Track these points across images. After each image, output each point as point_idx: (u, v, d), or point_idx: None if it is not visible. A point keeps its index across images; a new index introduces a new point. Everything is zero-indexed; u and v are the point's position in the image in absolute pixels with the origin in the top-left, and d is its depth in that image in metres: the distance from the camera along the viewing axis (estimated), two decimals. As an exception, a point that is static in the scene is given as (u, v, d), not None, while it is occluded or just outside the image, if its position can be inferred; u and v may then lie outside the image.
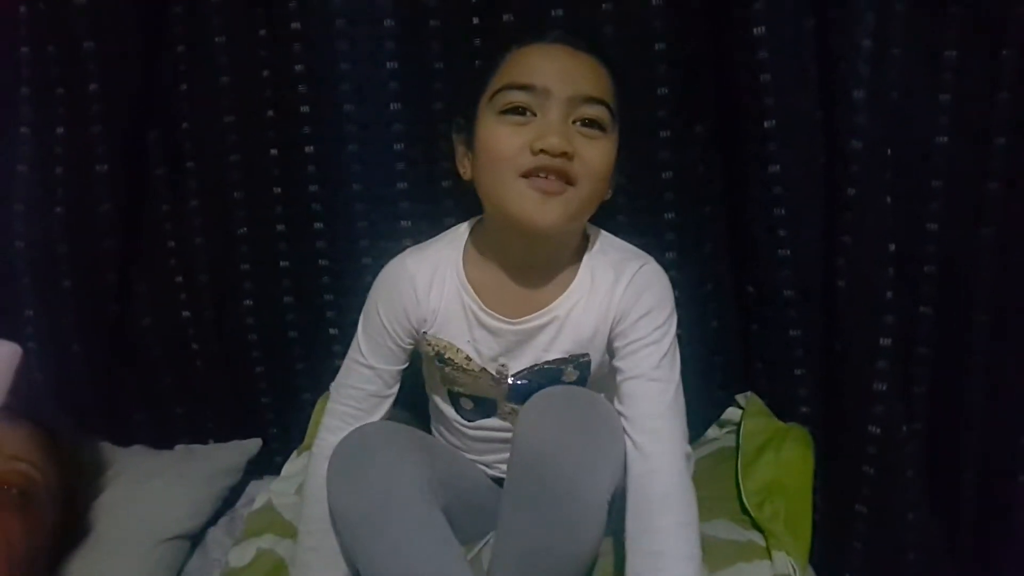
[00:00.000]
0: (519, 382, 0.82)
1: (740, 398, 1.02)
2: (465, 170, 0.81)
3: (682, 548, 0.71)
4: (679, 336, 0.80)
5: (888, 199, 0.86)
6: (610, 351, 0.81)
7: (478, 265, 0.82)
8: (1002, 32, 0.84)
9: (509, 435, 0.83)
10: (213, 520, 0.98)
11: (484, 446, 0.88)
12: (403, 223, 1.01)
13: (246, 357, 1.06)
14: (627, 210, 0.94)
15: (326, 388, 1.04)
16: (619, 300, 0.79)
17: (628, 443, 0.75)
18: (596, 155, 0.74)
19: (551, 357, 0.81)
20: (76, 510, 0.88)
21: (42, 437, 0.85)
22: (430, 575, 0.72)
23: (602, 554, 0.79)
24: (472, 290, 0.81)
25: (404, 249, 1.00)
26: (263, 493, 0.97)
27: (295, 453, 1.02)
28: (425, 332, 0.82)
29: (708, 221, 0.99)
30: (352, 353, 0.84)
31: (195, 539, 0.95)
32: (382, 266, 1.00)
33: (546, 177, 0.72)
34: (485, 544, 0.85)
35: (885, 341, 0.85)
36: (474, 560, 0.84)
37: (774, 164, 0.90)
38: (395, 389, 0.85)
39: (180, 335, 1.06)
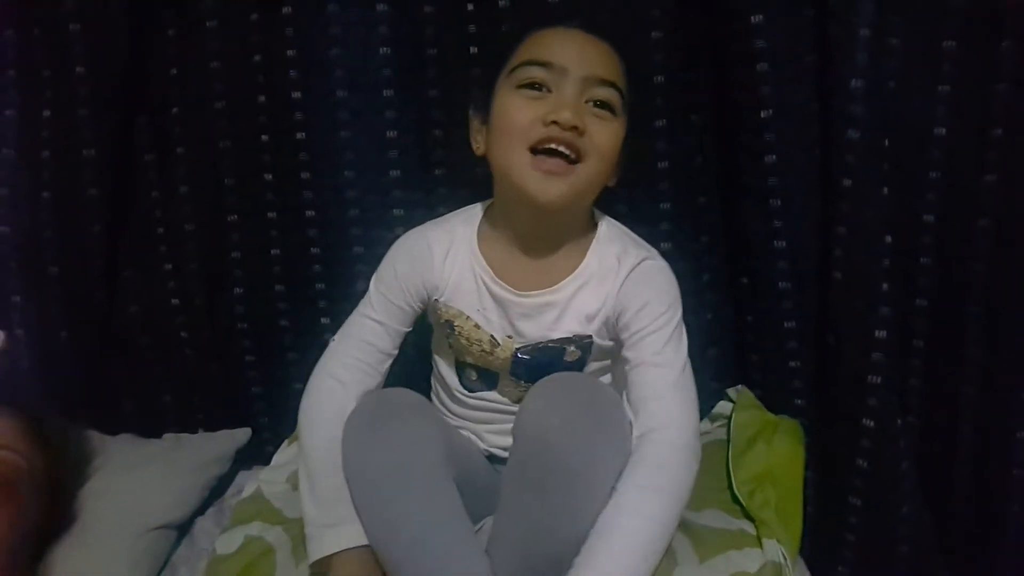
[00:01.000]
0: (522, 356, 0.84)
1: (731, 391, 1.02)
2: (479, 145, 0.84)
3: (645, 509, 0.71)
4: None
5: (884, 190, 0.85)
6: (616, 338, 0.83)
7: (490, 240, 0.85)
8: (1001, 23, 0.83)
9: (507, 408, 0.87)
10: (201, 510, 0.97)
11: (482, 415, 0.89)
12: (396, 211, 1.00)
13: (236, 346, 1.05)
14: (623, 200, 0.93)
15: (317, 378, 1.05)
16: (618, 293, 0.81)
17: (634, 428, 0.76)
18: (605, 134, 0.77)
19: (555, 336, 0.84)
20: (62, 499, 0.87)
21: (27, 425, 0.84)
22: (443, 543, 0.73)
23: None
24: (484, 261, 0.84)
25: (396, 238, 1.01)
26: (252, 482, 0.96)
27: (285, 443, 1.01)
28: (437, 300, 0.86)
29: (704, 212, 0.99)
30: (362, 308, 0.87)
31: (183, 529, 0.94)
32: (374, 255, 1.01)
33: (553, 155, 0.76)
34: (480, 529, 0.84)
35: (880, 333, 0.84)
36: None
37: (770, 154, 0.89)
38: (394, 352, 0.88)
39: (169, 323, 1.05)
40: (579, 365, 0.85)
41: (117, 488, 0.92)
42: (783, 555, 0.82)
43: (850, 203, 0.84)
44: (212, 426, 1.05)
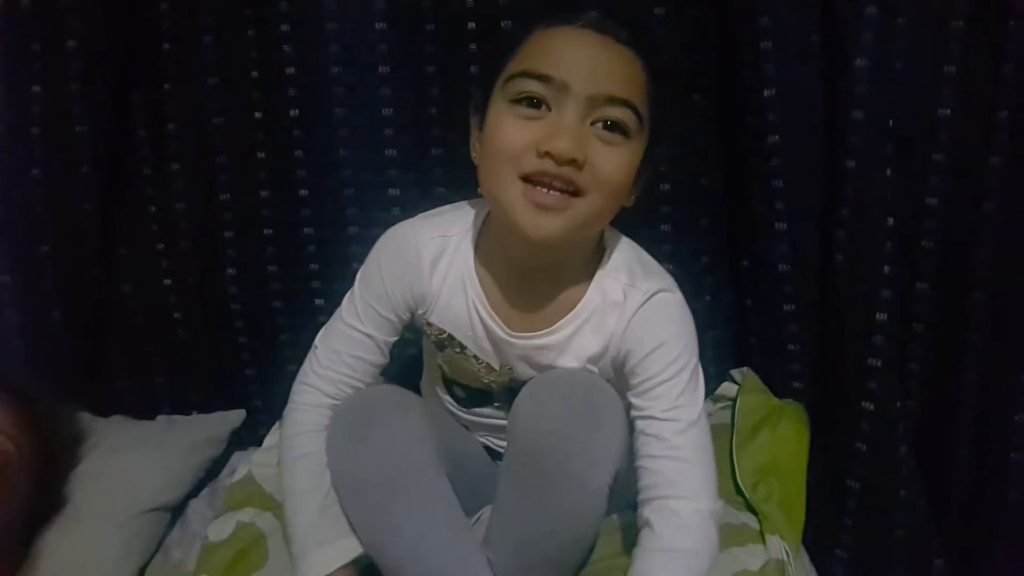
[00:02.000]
0: (518, 385, 0.77)
1: (736, 373, 1.01)
2: (476, 153, 0.74)
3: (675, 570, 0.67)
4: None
5: (888, 172, 0.84)
6: (621, 378, 0.75)
7: (487, 259, 0.76)
8: (1009, 3, 0.82)
9: (504, 422, 0.81)
10: (195, 492, 0.96)
11: (476, 422, 0.87)
12: (391, 191, 0.99)
13: (229, 326, 1.04)
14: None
15: (312, 359, 1.04)
16: (624, 332, 0.72)
17: (641, 490, 0.70)
18: (612, 164, 0.66)
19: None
20: (52, 481, 0.86)
21: (18, 408, 0.82)
22: (442, 545, 0.71)
23: (603, 533, 0.78)
24: (479, 285, 0.75)
25: (392, 218, 0.98)
26: (244, 465, 0.95)
27: (278, 424, 0.99)
28: (424, 314, 0.78)
29: (705, 193, 0.97)
30: (345, 316, 0.78)
31: (176, 511, 0.93)
32: (369, 235, 0.98)
33: (548, 191, 0.65)
34: (478, 519, 0.84)
35: (881, 316, 0.84)
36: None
37: (773, 135, 0.88)
38: (386, 358, 0.80)
39: (161, 303, 1.03)
40: None
41: (109, 470, 0.91)
42: (787, 551, 0.81)
43: (853, 185, 0.83)
44: (206, 407, 1.04)
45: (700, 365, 0.73)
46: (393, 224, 0.95)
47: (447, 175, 0.98)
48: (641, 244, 0.79)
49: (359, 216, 1.00)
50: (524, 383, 0.76)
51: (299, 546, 0.75)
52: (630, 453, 0.71)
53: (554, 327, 0.74)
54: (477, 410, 0.86)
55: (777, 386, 0.97)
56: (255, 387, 1.06)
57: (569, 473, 0.68)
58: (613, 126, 0.66)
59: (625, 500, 0.74)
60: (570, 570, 0.76)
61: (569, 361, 0.76)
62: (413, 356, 0.93)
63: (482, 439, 0.89)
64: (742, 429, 0.92)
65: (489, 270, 0.75)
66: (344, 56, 0.94)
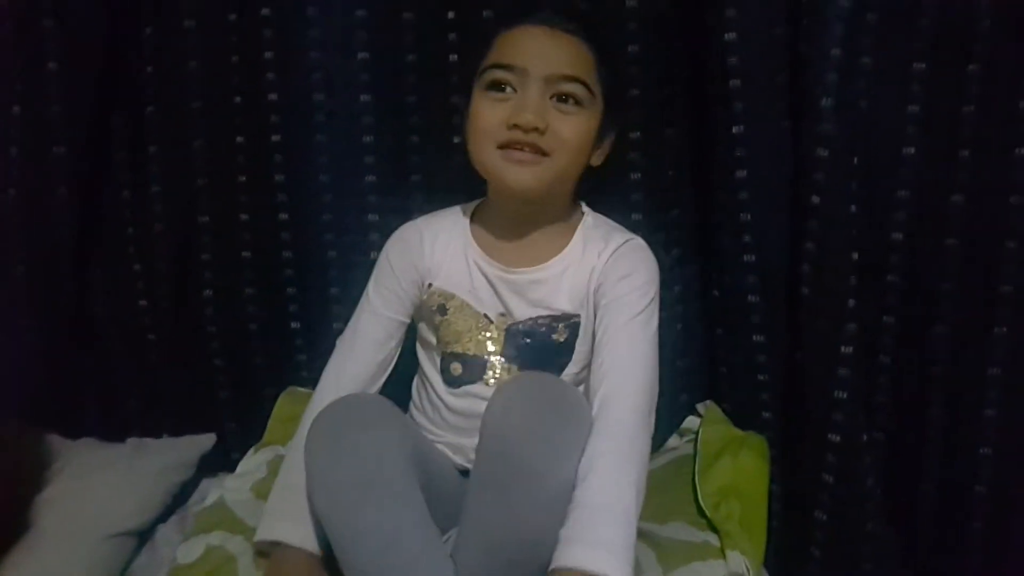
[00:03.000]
0: (514, 332, 0.86)
1: (700, 407, 1.02)
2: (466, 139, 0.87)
3: (613, 474, 0.71)
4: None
5: (853, 208, 0.87)
6: (595, 313, 0.85)
7: (481, 224, 0.90)
8: (969, 47, 0.85)
9: None
10: (164, 517, 0.95)
11: (463, 420, 0.88)
12: (371, 216, 1.00)
13: (204, 349, 1.04)
14: (595, 209, 0.93)
15: (287, 383, 1.04)
16: (603, 264, 0.85)
17: (595, 397, 0.77)
18: (569, 129, 0.80)
19: (544, 313, 0.86)
20: (17, 504, 0.85)
21: (-16, 428, 0.82)
22: (410, 552, 0.71)
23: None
24: (475, 242, 0.88)
25: (371, 243, 1.00)
26: (216, 489, 0.94)
27: (252, 450, 0.99)
28: (431, 284, 0.88)
29: (676, 224, 0.99)
30: (361, 305, 0.90)
31: (143, 536, 0.92)
32: (348, 260, 1.01)
33: (521, 149, 0.79)
34: (448, 539, 0.83)
35: (847, 349, 0.85)
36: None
37: (741, 169, 0.90)
38: (395, 346, 0.90)
39: (136, 325, 1.03)
40: (568, 347, 0.86)
41: (75, 493, 0.90)
42: (746, 566, 0.82)
43: (818, 220, 0.85)
44: (177, 431, 1.03)
45: (658, 305, 0.84)
46: (372, 250, 0.99)
47: (426, 201, 0.99)
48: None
49: (338, 241, 1.00)
50: (517, 339, 0.86)
51: (273, 506, 0.82)
52: None
53: (544, 264, 0.86)
54: (468, 388, 0.87)
55: (746, 416, 0.98)
56: (228, 411, 1.06)
57: (533, 470, 0.69)
58: (567, 98, 0.81)
59: None
60: (536, 574, 0.75)
61: (561, 299, 0.86)
62: (402, 373, 0.93)
63: (463, 460, 0.89)
64: (704, 456, 0.93)
65: (485, 232, 0.89)
66: (326, 84, 0.96)
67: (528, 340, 0.86)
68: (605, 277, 0.85)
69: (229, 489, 0.93)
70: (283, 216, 1.00)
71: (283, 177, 0.99)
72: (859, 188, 0.88)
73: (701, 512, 0.89)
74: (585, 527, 0.68)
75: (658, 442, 1.01)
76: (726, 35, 0.86)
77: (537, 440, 0.70)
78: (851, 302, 0.86)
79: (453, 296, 0.88)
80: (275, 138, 0.97)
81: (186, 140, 0.99)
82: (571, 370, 0.86)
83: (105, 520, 0.88)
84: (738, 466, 0.91)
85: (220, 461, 1.02)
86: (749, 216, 0.91)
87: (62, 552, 0.84)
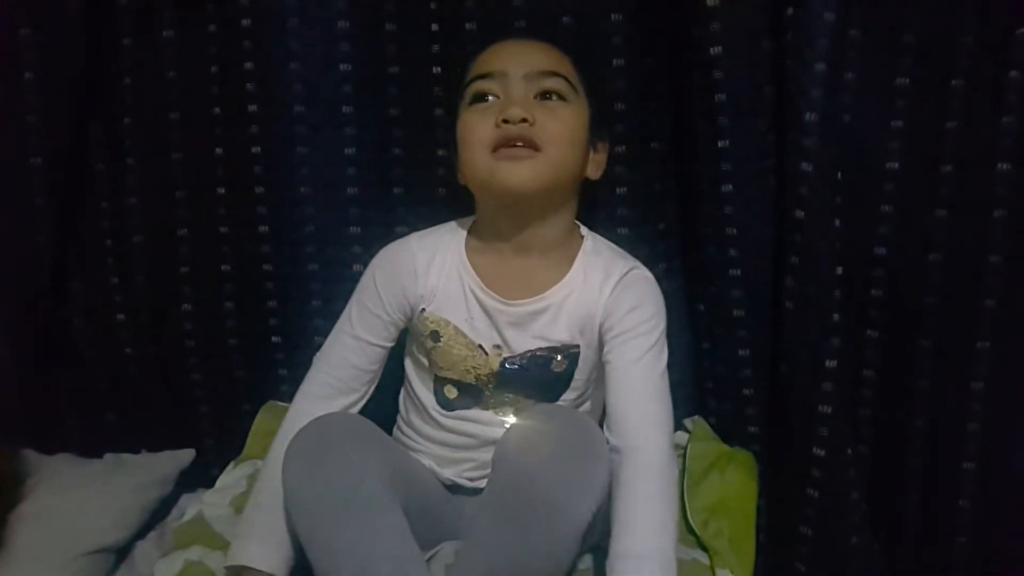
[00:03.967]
0: (510, 366, 0.85)
1: (688, 422, 1.02)
2: (461, 175, 0.86)
3: (657, 517, 0.73)
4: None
5: (836, 222, 0.86)
6: (600, 346, 0.84)
7: (478, 249, 0.86)
8: (952, 62, 0.85)
9: (487, 432, 0.85)
10: (142, 534, 0.94)
11: (455, 438, 0.87)
12: (352, 229, 0.99)
13: (183, 364, 1.03)
14: (581, 222, 0.93)
15: (267, 398, 1.03)
16: (608, 297, 0.83)
17: (610, 430, 0.78)
18: (557, 122, 0.80)
19: (543, 345, 0.84)
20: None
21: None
22: (390, 574, 0.71)
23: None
24: (472, 270, 0.85)
25: (352, 256, 0.99)
26: (195, 504, 0.93)
27: (231, 464, 0.98)
28: (423, 309, 0.85)
29: (662, 238, 0.99)
30: (340, 323, 0.87)
31: (121, 553, 0.91)
32: (329, 273, 1.00)
33: (512, 146, 0.78)
34: (435, 555, 0.83)
35: (831, 363, 0.85)
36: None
37: (727, 184, 0.90)
38: (376, 370, 0.87)
39: (114, 339, 1.02)
40: (567, 377, 0.85)
41: (52, 510, 0.89)
42: None
43: (802, 234, 0.85)
44: (156, 446, 1.01)
45: (666, 337, 0.84)
46: (354, 263, 0.97)
47: (409, 213, 0.99)
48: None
49: (319, 254, 0.99)
50: (513, 372, 0.84)
51: (242, 530, 0.82)
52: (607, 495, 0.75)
53: (543, 295, 0.84)
54: (463, 413, 0.87)
55: (732, 430, 0.98)
56: (208, 426, 1.05)
57: (552, 505, 0.69)
58: (550, 94, 0.81)
59: (595, 540, 0.77)
60: None
61: (560, 330, 0.84)
62: (385, 387, 0.92)
63: (450, 472, 0.88)
64: (692, 472, 0.93)
65: (481, 258, 0.86)
66: (307, 95, 0.95)
67: (526, 371, 0.85)
68: (612, 311, 0.83)
69: (208, 504, 0.93)
70: (263, 228, 0.99)
71: (263, 189, 0.98)
72: (843, 202, 0.87)
73: (690, 529, 0.88)
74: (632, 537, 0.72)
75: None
76: (711, 49, 0.86)
77: (557, 475, 0.69)
78: (835, 316, 0.85)
79: (448, 323, 0.85)
80: (255, 149, 0.96)
81: (165, 151, 0.98)
82: (568, 397, 0.86)
83: (82, 536, 0.87)
84: (726, 483, 0.92)
85: (199, 477, 1.01)
86: (734, 230, 0.91)
87: (38, 569, 0.84)
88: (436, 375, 0.87)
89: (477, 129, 0.80)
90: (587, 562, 0.82)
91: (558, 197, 0.83)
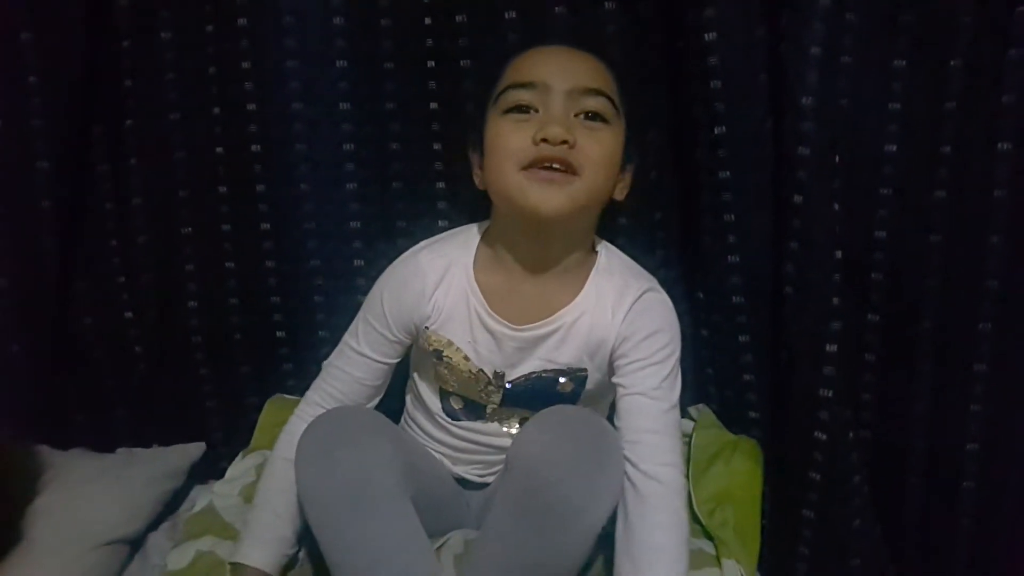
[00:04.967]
0: (514, 388, 0.84)
1: (692, 410, 1.02)
2: (480, 180, 0.83)
3: (672, 553, 0.74)
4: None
5: (835, 206, 0.86)
6: (611, 369, 0.82)
7: (487, 268, 0.83)
8: (950, 43, 0.84)
9: (493, 440, 0.86)
10: (154, 525, 0.96)
11: (461, 444, 0.88)
12: (353, 224, 1.00)
13: (190, 359, 1.04)
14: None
15: (272, 392, 1.05)
16: (621, 323, 0.81)
17: (633, 459, 0.76)
18: (598, 146, 0.76)
19: (549, 368, 0.83)
20: (8, 516, 0.86)
21: (-27, 441, 0.83)
22: (400, 566, 0.72)
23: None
24: (480, 292, 0.82)
25: (353, 251, 0.99)
26: (205, 495, 0.95)
27: (240, 455, 1.00)
28: (427, 327, 0.83)
29: (660, 226, 0.99)
30: (347, 336, 0.87)
31: (135, 544, 0.93)
32: (331, 268, 1.01)
33: (548, 168, 0.74)
34: (444, 543, 0.84)
35: (831, 347, 0.85)
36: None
37: (724, 170, 0.89)
38: (382, 383, 0.87)
39: (122, 336, 1.03)
40: (571, 397, 0.85)
41: (67, 503, 0.90)
42: (742, 574, 0.83)
43: (801, 219, 0.84)
44: (166, 440, 1.03)
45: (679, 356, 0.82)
46: (355, 257, 0.97)
47: (408, 209, 1.00)
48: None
49: (320, 249, 1.00)
50: (517, 392, 0.83)
51: (245, 530, 0.83)
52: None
53: (552, 318, 0.81)
54: (469, 424, 0.87)
55: (734, 416, 0.98)
56: (216, 420, 1.06)
57: (569, 506, 0.69)
58: (594, 116, 0.77)
59: (604, 542, 0.77)
60: None
61: (568, 353, 0.82)
62: (393, 383, 0.93)
63: (459, 469, 0.90)
64: (698, 461, 0.93)
65: (490, 278, 0.83)
66: (305, 92, 0.95)
67: (530, 392, 0.84)
68: (626, 337, 0.80)
69: (218, 495, 0.94)
70: (265, 226, 1.00)
71: (264, 187, 0.99)
72: (841, 186, 0.87)
73: (696, 519, 0.89)
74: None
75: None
76: (706, 35, 0.86)
77: (577, 479, 0.70)
78: (835, 300, 0.85)
79: (451, 344, 0.83)
80: (255, 148, 0.97)
81: (166, 152, 0.98)
82: None
83: (96, 529, 0.89)
84: (732, 472, 0.92)
85: (210, 469, 1.02)
86: (732, 216, 0.91)
87: (54, 562, 0.85)
88: (441, 388, 0.87)
89: (511, 141, 0.76)
90: (597, 560, 0.82)
91: (584, 221, 0.81)
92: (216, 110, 0.97)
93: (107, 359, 1.04)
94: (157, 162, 0.99)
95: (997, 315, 0.86)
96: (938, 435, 0.90)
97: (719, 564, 0.84)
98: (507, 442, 0.84)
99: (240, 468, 0.98)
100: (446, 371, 0.85)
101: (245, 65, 0.94)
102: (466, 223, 0.90)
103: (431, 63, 0.94)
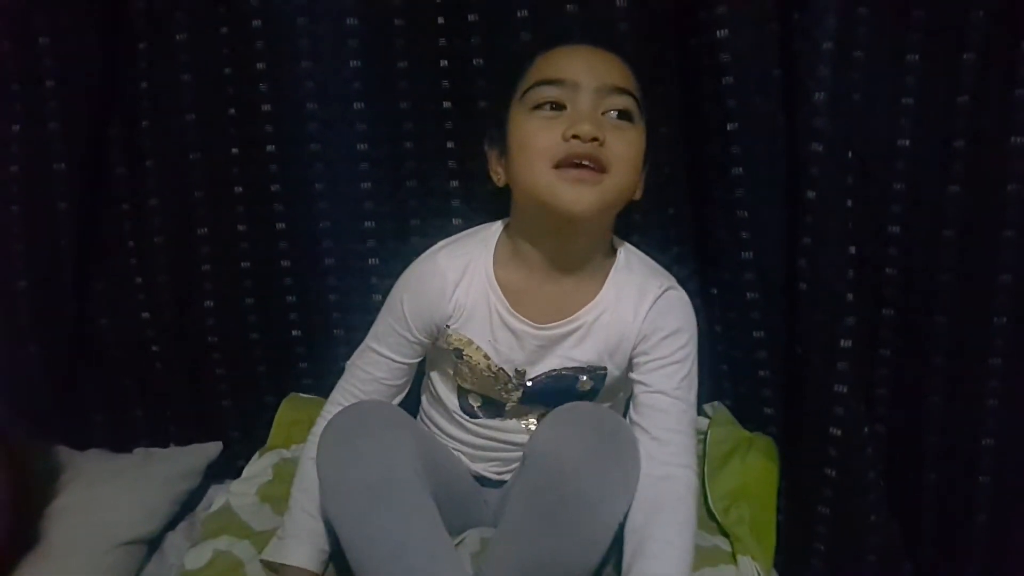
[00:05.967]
0: (533, 386, 0.84)
1: (707, 407, 1.02)
2: (499, 176, 0.83)
3: (681, 552, 0.75)
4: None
5: (848, 202, 0.86)
6: (630, 366, 0.83)
7: (507, 266, 0.83)
8: (963, 36, 0.84)
9: (511, 438, 0.86)
10: (172, 525, 0.96)
11: (479, 442, 0.88)
12: (367, 223, 1.00)
13: (207, 359, 1.05)
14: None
15: (288, 390, 1.05)
16: (642, 322, 0.81)
17: (654, 456, 0.77)
18: (626, 144, 0.77)
19: (569, 366, 0.83)
20: (28, 516, 0.87)
21: (-8, 441, 0.83)
22: (421, 559, 0.72)
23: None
24: (500, 291, 0.82)
25: (368, 249, 1.00)
26: (222, 494, 0.96)
27: (257, 454, 1.01)
28: (448, 327, 0.83)
29: (673, 222, 0.99)
30: (369, 337, 0.87)
31: (153, 544, 0.94)
32: (346, 267, 1.01)
33: (579, 166, 0.74)
34: (461, 541, 0.85)
35: (845, 343, 0.85)
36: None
37: (737, 167, 0.90)
38: (404, 382, 0.87)
39: (139, 336, 1.04)
40: (591, 395, 0.85)
41: (85, 503, 0.91)
42: (757, 572, 0.83)
43: (814, 215, 0.85)
44: (183, 440, 1.04)
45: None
46: (369, 256, 0.98)
47: (422, 207, 1.00)
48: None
49: (335, 248, 1.01)
50: (536, 391, 0.83)
51: (282, 529, 0.84)
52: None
53: (574, 316, 0.81)
54: (486, 421, 0.87)
55: (749, 412, 0.98)
56: (233, 419, 1.07)
57: (587, 503, 0.70)
58: (621, 114, 0.77)
59: (621, 541, 0.77)
60: None
61: (588, 352, 0.82)
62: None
63: (477, 467, 0.90)
64: (713, 458, 0.93)
65: (510, 276, 0.83)
66: (319, 93, 0.96)
67: (550, 389, 0.84)
68: (646, 336, 0.81)
69: (235, 494, 0.95)
70: (280, 225, 1.01)
71: (279, 187, 0.99)
72: (854, 182, 0.87)
73: (711, 516, 0.89)
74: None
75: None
76: (718, 32, 0.86)
77: (593, 473, 0.70)
78: (849, 296, 0.85)
79: (471, 343, 0.83)
80: (270, 148, 0.98)
81: (182, 153, 0.99)
82: None
83: (115, 529, 0.90)
84: (747, 469, 0.92)
85: (227, 468, 1.03)
86: (745, 213, 0.91)
87: (73, 561, 0.86)
88: (459, 386, 0.87)
89: (540, 138, 0.75)
90: (613, 558, 0.81)
91: (607, 219, 0.82)
92: (231, 111, 0.98)
93: (124, 359, 1.05)
94: (173, 163, 1.00)
95: (1011, 309, 0.86)
96: (953, 430, 0.90)
97: (735, 561, 0.84)
98: (525, 439, 0.85)
99: (257, 467, 0.98)
100: (466, 369, 0.85)
101: (260, 66, 0.95)
102: (480, 221, 0.90)
103: (444, 62, 0.95)
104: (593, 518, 0.71)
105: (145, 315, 1.04)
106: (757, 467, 0.92)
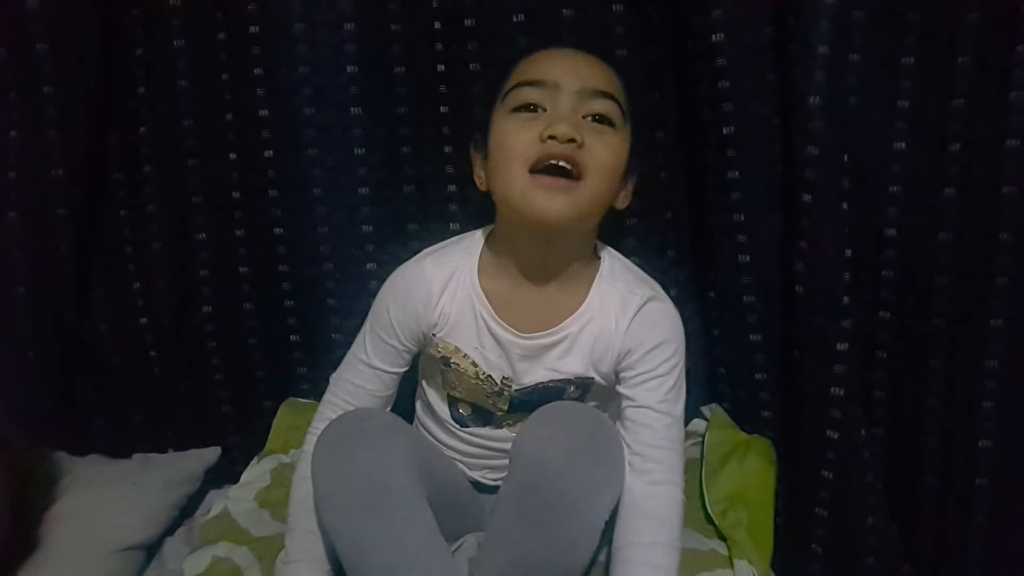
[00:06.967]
0: (520, 396, 0.84)
1: (705, 410, 1.03)
2: (481, 181, 0.83)
3: (659, 562, 0.75)
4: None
5: (844, 205, 0.86)
6: (616, 379, 0.82)
7: (492, 274, 0.83)
8: (958, 40, 0.84)
9: (503, 445, 0.86)
10: (170, 530, 0.96)
11: (471, 449, 0.89)
12: (365, 228, 1.00)
13: (205, 364, 1.05)
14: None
15: (287, 395, 1.06)
16: (624, 333, 0.80)
17: (638, 472, 0.77)
18: (605, 149, 0.75)
19: (556, 377, 0.83)
20: (25, 521, 0.87)
21: (-10, 449, 0.83)
22: (418, 568, 0.72)
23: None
24: (485, 298, 0.81)
25: (365, 254, 1.00)
26: (220, 500, 0.96)
27: (255, 460, 1.01)
28: (435, 334, 0.83)
29: (670, 227, 0.99)
30: (355, 348, 0.86)
31: (151, 549, 0.94)
32: (344, 272, 1.02)
33: (554, 170, 0.73)
34: (459, 547, 0.85)
35: (842, 346, 0.85)
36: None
37: (733, 170, 0.90)
38: (391, 393, 0.86)
39: (138, 342, 1.04)
40: (578, 400, 0.85)
41: (84, 509, 0.91)
42: (754, 575, 0.83)
43: (810, 218, 0.85)
44: (182, 445, 1.04)
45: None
46: (367, 261, 0.98)
47: (420, 212, 1.00)
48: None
49: (333, 253, 1.01)
50: (523, 400, 0.82)
51: (282, 558, 0.82)
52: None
53: (558, 326, 0.81)
54: (478, 431, 0.87)
55: (746, 415, 0.99)
56: (231, 424, 1.07)
57: (570, 503, 0.69)
58: (601, 119, 0.76)
59: (608, 538, 0.77)
60: None
61: (573, 362, 0.81)
62: (402, 389, 0.93)
63: (474, 473, 0.90)
64: (710, 461, 0.94)
65: (495, 284, 0.82)
66: (316, 98, 0.96)
67: (538, 400, 0.83)
68: (631, 348, 0.80)
69: (233, 499, 0.95)
70: (278, 230, 1.01)
71: (277, 192, 0.99)
72: (850, 185, 0.87)
73: (708, 519, 0.89)
74: None
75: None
76: (713, 36, 0.86)
77: (577, 474, 0.70)
78: (846, 299, 0.85)
79: (458, 351, 0.83)
80: (268, 153, 0.98)
81: (180, 158, 1.00)
82: None
83: (113, 534, 0.90)
84: (745, 472, 0.92)
85: (225, 473, 1.03)
86: (742, 216, 0.91)
87: (72, 567, 0.86)
88: (449, 394, 0.87)
89: (518, 140, 0.74)
90: (605, 555, 0.82)
91: (586, 226, 0.80)
92: (229, 116, 0.98)
93: (123, 365, 1.05)
94: (171, 169, 1.00)
95: (1008, 311, 0.86)
96: (951, 432, 0.90)
97: (732, 565, 0.84)
98: None
99: (255, 472, 0.98)
100: (454, 378, 0.85)
101: (257, 72, 0.96)
102: (478, 226, 0.90)
103: (441, 67, 0.95)
104: (578, 518, 0.71)
105: (144, 320, 1.04)
106: (755, 470, 0.93)
